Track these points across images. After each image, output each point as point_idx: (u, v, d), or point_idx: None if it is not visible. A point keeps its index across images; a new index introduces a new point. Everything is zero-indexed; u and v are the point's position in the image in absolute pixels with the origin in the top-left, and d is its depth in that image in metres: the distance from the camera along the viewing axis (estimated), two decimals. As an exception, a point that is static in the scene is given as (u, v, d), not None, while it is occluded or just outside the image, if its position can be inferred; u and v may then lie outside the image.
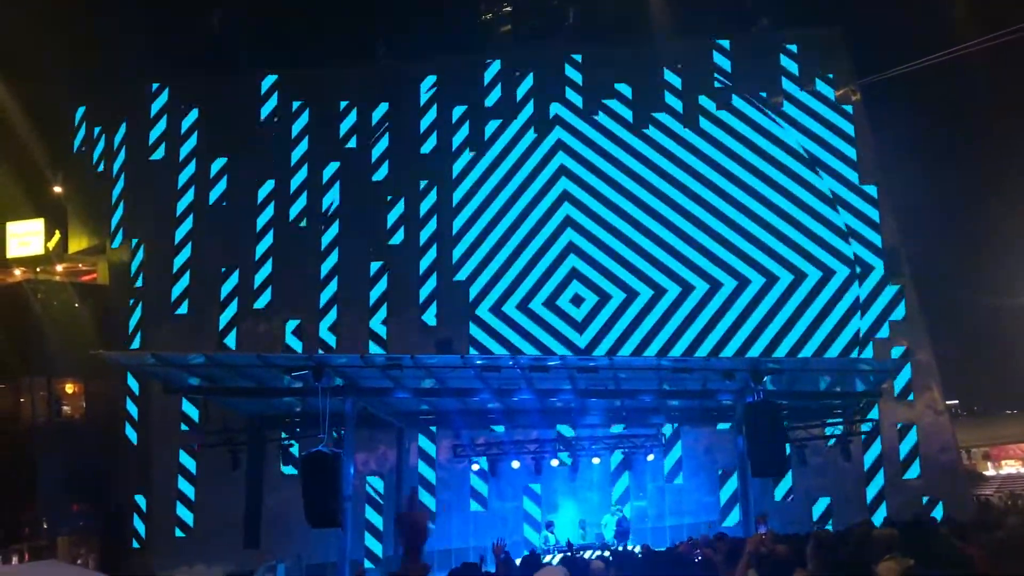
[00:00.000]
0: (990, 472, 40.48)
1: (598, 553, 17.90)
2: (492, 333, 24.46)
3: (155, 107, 26.43)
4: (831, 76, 25.61)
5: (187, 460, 23.22)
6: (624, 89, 25.93)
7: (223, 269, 25.06)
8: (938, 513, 21.28)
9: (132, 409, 24.19)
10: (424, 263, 25.14)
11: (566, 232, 25.10)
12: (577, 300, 24.61)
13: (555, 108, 25.97)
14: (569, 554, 17.79)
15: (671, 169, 25.33)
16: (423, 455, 23.59)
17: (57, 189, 28.43)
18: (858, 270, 24.19)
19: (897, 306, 23.90)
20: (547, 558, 18.88)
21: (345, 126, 26.20)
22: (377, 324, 24.64)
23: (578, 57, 26.31)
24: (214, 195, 25.72)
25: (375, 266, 25.04)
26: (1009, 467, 41.66)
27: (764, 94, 25.63)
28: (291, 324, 24.68)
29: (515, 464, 22.32)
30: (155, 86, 26.53)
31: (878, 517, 21.65)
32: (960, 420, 34.39)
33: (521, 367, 17.74)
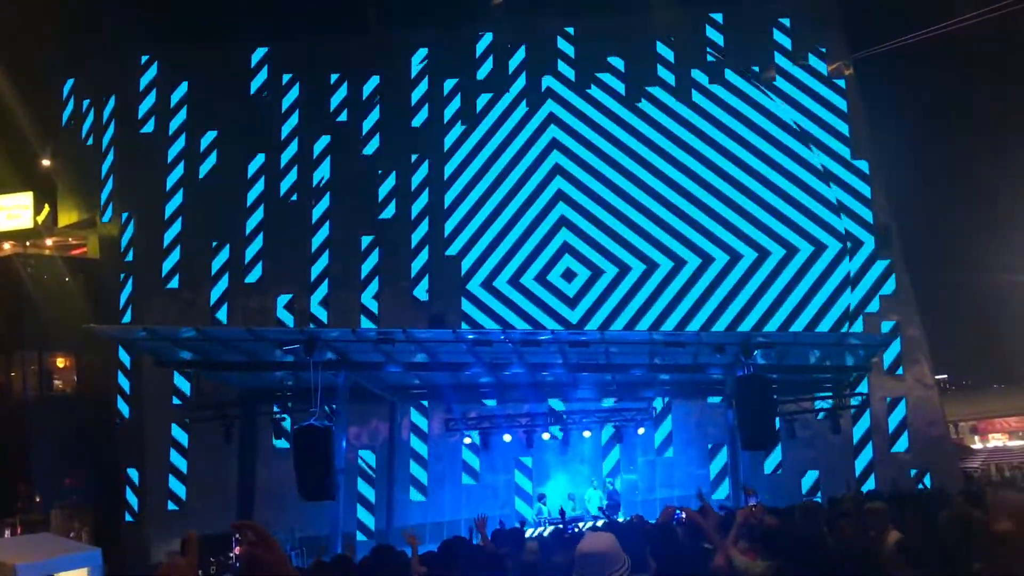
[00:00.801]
0: (977, 445, 40.87)
1: (589, 524, 18.03)
2: (484, 307, 24.49)
3: (144, 80, 26.21)
4: (824, 50, 25.55)
5: (179, 433, 23.26)
6: (616, 62, 25.83)
7: (214, 243, 24.98)
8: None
9: (124, 383, 24.19)
10: (416, 237, 25.10)
11: (558, 206, 25.08)
12: (569, 274, 24.63)
13: (547, 81, 25.87)
14: (561, 526, 17.92)
15: (663, 143, 25.29)
16: (415, 429, 23.68)
17: (46, 162, 28.21)
18: (849, 245, 24.26)
19: (888, 281, 23.99)
20: (536, 531, 19.05)
21: (336, 99, 26.05)
22: (369, 298, 24.63)
23: (571, 30, 26.16)
24: (204, 169, 25.58)
25: (366, 240, 24.99)
26: (996, 440, 42.06)
27: (756, 68, 25.56)
28: (283, 299, 24.63)
29: (507, 438, 22.45)
30: (144, 58, 26.29)
31: (866, 489, 21.90)
32: (948, 394, 34.69)
33: (513, 341, 17.81)
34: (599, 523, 17.80)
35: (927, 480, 22.20)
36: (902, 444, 23.13)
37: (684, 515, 6.05)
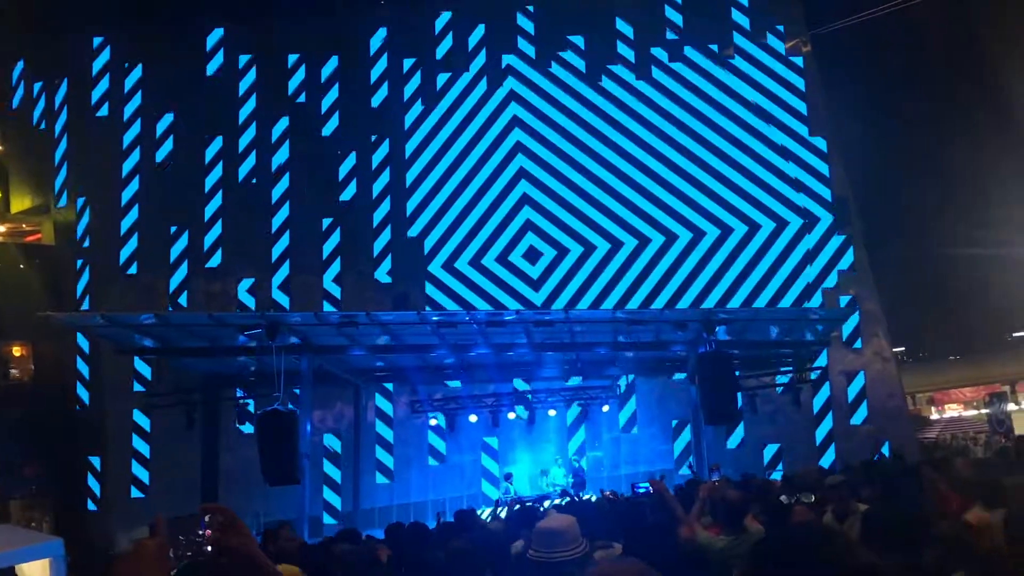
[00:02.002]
0: (934, 416, 41.74)
1: (556, 502, 18.15)
2: (447, 288, 24.44)
3: (98, 63, 25.69)
4: (781, 28, 25.69)
5: (142, 420, 22.99)
6: (577, 40, 25.79)
7: (173, 228, 24.63)
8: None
9: (83, 369, 23.85)
10: (377, 219, 24.95)
11: (520, 184, 25.03)
12: (532, 253, 24.64)
13: (507, 59, 25.77)
14: (529, 504, 18.01)
15: (624, 120, 25.33)
16: (380, 411, 23.63)
17: (-4, 147, 27.59)
18: (808, 220, 24.52)
19: (846, 256, 24.31)
20: (501, 510, 19.13)
21: (294, 80, 25.74)
22: (331, 281, 24.47)
23: (530, 7, 26.06)
24: (161, 153, 25.18)
25: (327, 223, 24.78)
26: (952, 411, 42.97)
27: (715, 47, 25.65)
28: (245, 283, 24.38)
29: (472, 418, 22.50)
30: (98, 40, 25.75)
31: (826, 461, 22.31)
32: (906, 366, 35.29)
33: (478, 322, 17.86)
34: (563, 501, 17.93)
35: (885, 449, 22.63)
36: (861, 416, 23.52)
37: (652, 487, 6.13)
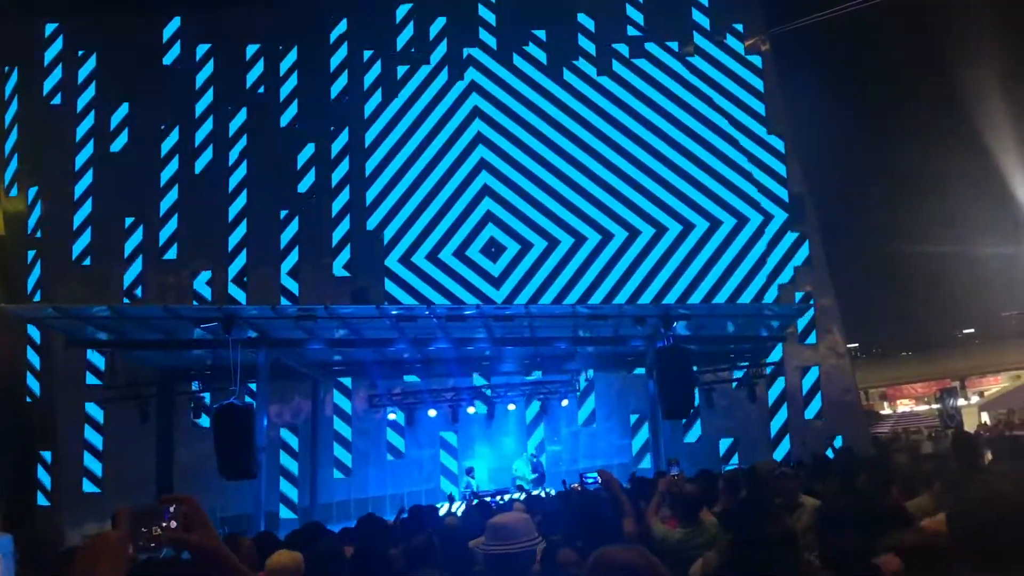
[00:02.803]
0: (887, 411, 42.53)
1: (516, 496, 18.19)
2: (407, 282, 24.35)
3: (51, 51, 25.17)
4: (741, 27, 25.94)
5: (95, 413, 22.61)
6: (539, 33, 25.81)
7: (128, 219, 24.24)
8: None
9: (35, 361, 23.39)
10: (336, 210, 24.75)
11: (481, 175, 25.00)
12: (493, 247, 24.63)
13: (468, 51, 25.72)
14: (489, 499, 18.02)
15: (586, 115, 25.43)
16: (338, 406, 23.49)
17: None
18: (765, 217, 24.80)
19: (801, 252, 24.63)
20: (459, 505, 19.13)
21: (251, 68, 25.44)
22: (289, 274, 24.26)
23: (488, 14, 26.05)
24: (116, 143, 24.74)
25: (285, 215, 24.55)
26: (904, 406, 43.82)
27: (676, 44, 25.83)
28: (202, 276, 24.07)
29: (432, 413, 22.46)
30: (51, 28, 25.23)
31: (779, 455, 22.62)
32: (859, 362, 35.90)
33: (438, 316, 17.80)
34: (521, 496, 17.98)
35: (837, 443, 22.99)
36: (815, 411, 23.87)
37: (600, 478, 6.17)
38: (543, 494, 17.79)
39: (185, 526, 2.07)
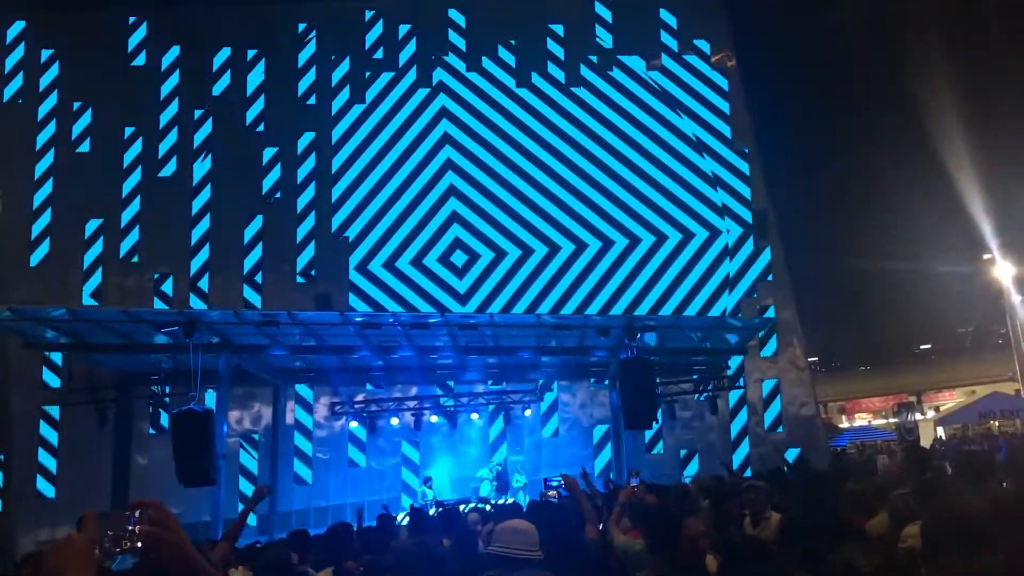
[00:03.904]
0: (844, 424, 43.06)
1: (472, 506, 18.14)
2: (370, 290, 24.21)
3: (12, 49, 24.76)
4: (708, 43, 26.21)
5: (50, 418, 22.17)
6: (505, 51, 25.86)
7: (88, 219, 23.86)
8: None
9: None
10: (301, 214, 24.56)
11: (448, 187, 24.92)
12: (457, 257, 24.56)
13: (438, 74, 25.68)
14: (452, 507, 17.95)
15: (555, 123, 25.49)
16: (300, 412, 23.28)
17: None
18: (729, 231, 25.03)
19: (763, 266, 24.87)
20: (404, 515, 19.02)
21: (217, 71, 25.21)
22: (252, 280, 24.01)
23: (459, 15, 26.07)
24: (78, 144, 24.37)
25: (249, 219, 24.30)
26: (861, 420, 44.41)
27: (643, 57, 26.02)
28: (167, 282, 23.73)
29: (394, 421, 22.35)
30: (14, 26, 24.83)
31: (737, 465, 22.78)
32: (818, 375, 36.33)
33: (402, 324, 17.77)
34: (487, 506, 17.93)
35: (789, 456, 23.25)
36: (776, 423, 24.09)
37: (564, 482, 6.20)
38: (503, 503, 17.78)
39: (153, 530, 2.05)
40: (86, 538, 1.92)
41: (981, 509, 2.53)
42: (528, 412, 22.98)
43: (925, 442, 27.51)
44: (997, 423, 31.58)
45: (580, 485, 6.48)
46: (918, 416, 34.01)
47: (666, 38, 26.24)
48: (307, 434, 23.20)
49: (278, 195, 24.61)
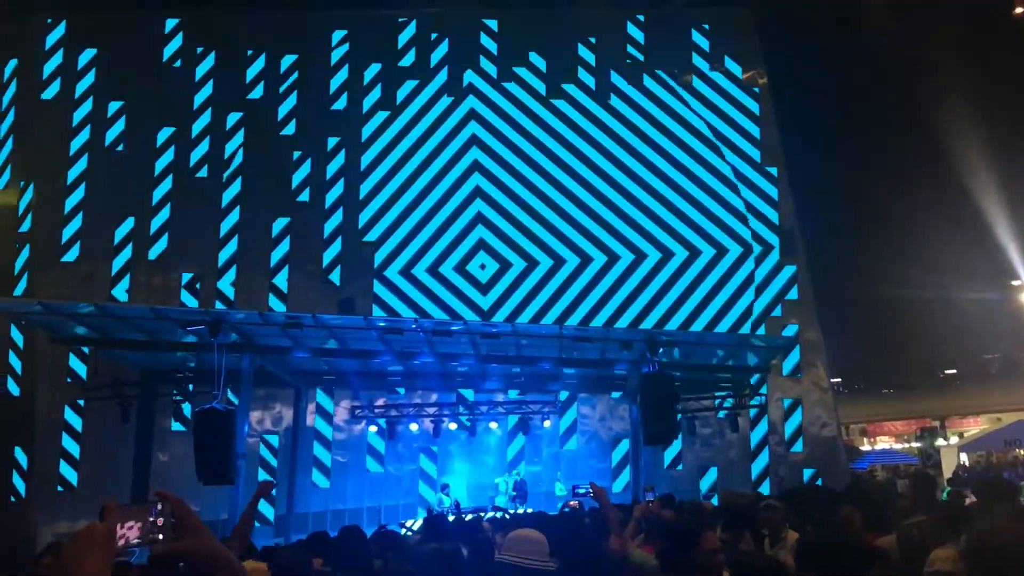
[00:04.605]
0: (866, 447, 42.60)
1: (491, 515, 18.11)
2: (394, 295, 24.31)
3: (49, 42, 25.17)
4: (740, 57, 26.18)
5: (72, 412, 22.43)
6: (537, 59, 25.97)
7: (117, 217, 24.16)
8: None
9: (14, 356, 23.18)
10: (328, 221, 24.74)
11: (474, 200, 25.05)
12: (486, 268, 24.64)
13: (468, 76, 25.82)
14: (473, 515, 17.95)
15: (584, 135, 25.55)
16: (320, 415, 23.39)
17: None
18: (756, 249, 24.93)
19: (790, 286, 24.74)
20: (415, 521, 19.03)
21: (251, 75, 25.47)
22: (277, 281, 24.19)
23: (493, 23, 26.20)
24: (110, 138, 24.71)
25: (277, 220, 24.50)
26: (883, 443, 43.92)
27: (674, 75, 26.02)
28: (188, 278, 23.97)
29: (413, 427, 22.42)
30: (50, 19, 25.24)
31: (764, 487, 22.63)
32: (841, 397, 36.01)
33: (424, 330, 17.79)
34: (506, 514, 17.92)
35: (804, 475, 23.09)
36: (797, 444, 23.91)
37: (592, 491, 6.15)
38: (520, 512, 17.74)
39: (175, 531, 2.06)
40: (107, 527, 1.93)
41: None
42: (547, 423, 22.96)
43: (947, 468, 27.17)
44: (1023, 451, 31.17)
45: (608, 494, 6.45)
46: (941, 442, 33.63)
47: (697, 60, 26.22)
48: (326, 437, 23.30)
49: (305, 198, 24.81)
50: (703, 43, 26.31)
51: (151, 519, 2.05)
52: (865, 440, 44.87)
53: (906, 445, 41.40)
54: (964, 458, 31.36)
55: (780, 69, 25.71)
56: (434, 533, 7.39)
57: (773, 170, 25.52)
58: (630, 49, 26.23)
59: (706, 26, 26.40)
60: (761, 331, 24.05)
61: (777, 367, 23.35)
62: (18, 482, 22.39)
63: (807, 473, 23.30)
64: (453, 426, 22.56)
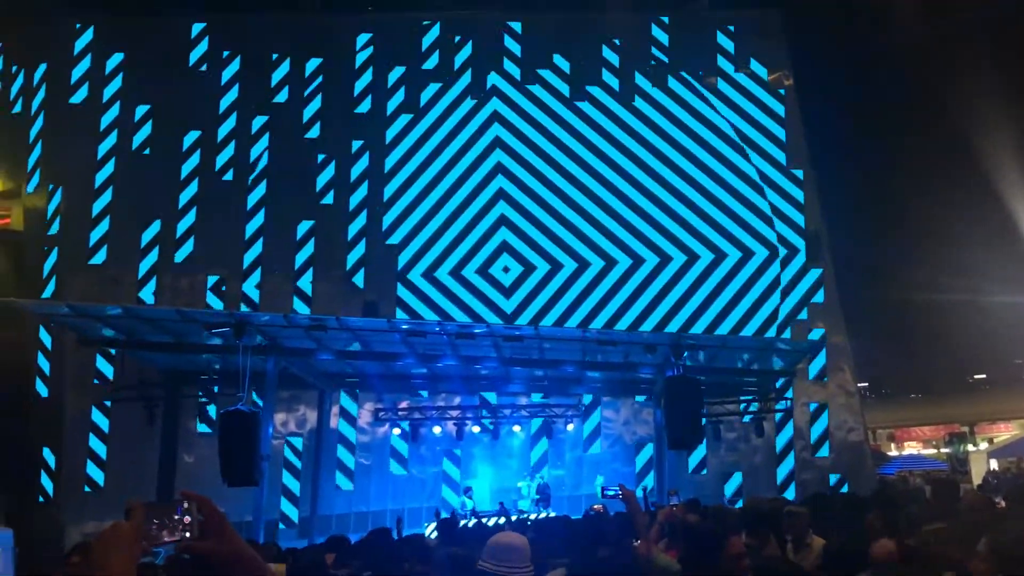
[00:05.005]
0: (893, 452, 42.13)
1: (515, 518, 18.07)
2: (419, 298, 24.34)
3: (78, 46, 25.45)
4: (765, 58, 26.01)
5: (99, 414, 22.64)
6: (561, 62, 25.94)
7: (144, 221, 24.37)
8: (843, 490, 22.04)
9: (43, 358, 23.43)
10: (353, 223, 24.83)
11: (498, 202, 25.05)
12: (510, 270, 24.63)
13: (492, 79, 25.83)
14: (500, 520, 17.92)
15: (602, 144, 25.48)
16: (344, 417, 23.45)
17: (-31, 129, 27.15)
18: (781, 252, 24.75)
19: (816, 289, 24.53)
20: (461, 524, 19.02)
21: (276, 79, 25.62)
22: (302, 284, 24.30)
23: (517, 25, 26.21)
24: (137, 142, 24.94)
25: (302, 224, 24.62)
26: (911, 448, 43.44)
27: (700, 73, 25.90)
28: (214, 280, 24.14)
29: (436, 430, 22.43)
30: (79, 24, 25.53)
31: (789, 492, 22.44)
32: (868, 402, 35.66)
33: (448, 333, 17.81)
34: (530, 517, 17.91)
35: (831, 480, 22.88)
36: (823, 449, 23.69)
37: (621, 493, 6.09)
38: (543, 516, 17.70)
39: (201, 531, 2.05)
40: (133, 526, 1.93)
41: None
42: (570, 427, 22.89)
43: (977, 474, 26.83)
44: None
45: (638, 498, 6.39)
46: (970, 448, 33.18)
47: (722, 62, 26.09)
48: (350, 439, 23.35)
49: (329, 200, 24.92)
50: (728, 45, 26.18)
51: (176, 518, 2.03)
52: (892, 445, 44.38)
53: (934, 451, 40.91)
54: (994, 464, 30.94)
55: (806, 70, 25.46)
56: (447, 537, 7.38)
57: (799, 172, 25.33)
58: (654, 51, 26.16)
59: (731, 28, 26.27)
60: (787, 335, 23.86)
61: (803, 371, 23.15)
62: (46, 482, 22.62)
63: (833, 478, 23.09)
64: (476, 429, 22.55)
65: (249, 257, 24.38)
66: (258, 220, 24.66)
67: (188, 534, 2.02)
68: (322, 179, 25.05)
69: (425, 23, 26.22)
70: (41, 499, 22.49)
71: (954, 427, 40.08)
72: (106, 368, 22.71)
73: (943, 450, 39.29)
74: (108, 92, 25.18)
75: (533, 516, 19.24)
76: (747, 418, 22.66)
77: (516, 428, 23.04)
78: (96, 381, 22.73)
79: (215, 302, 23.88)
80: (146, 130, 24.98)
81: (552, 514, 19.22)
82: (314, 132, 25.38)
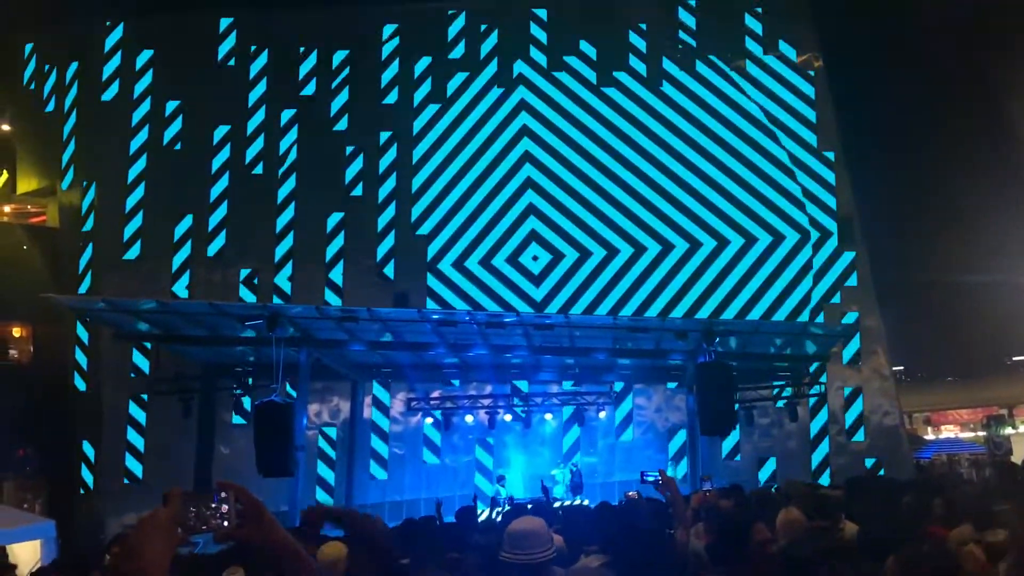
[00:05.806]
0: (929, 436, 41.66)
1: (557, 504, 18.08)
2: (448, 288, 24.42)
3: (108, 44, 25.72)
4: (794, 40, 25.70)
5: (137, 407, 22.97)
6: (588, 48, 25.81)
7: (176, 216, 24.63)
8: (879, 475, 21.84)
9: (81, 353, 23.82)
10: (382, 215, 24.94)
11: (526, 191, 25.03)
12: (539, 258, 24.62)
13: (518, 66, 25.76)
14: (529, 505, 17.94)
15: (630, 130, 25.34)
16: (377, 408, 23.61)
17: (5, 127, 27.59)
18: (813, 236, 24.51)
19: (849, 272, 24.28)
20: (493, 512, 19.10)
21: (303, 72, 25.74)
22: (333, 276, 24.46)
23: (543, 12, 26.10)
24: (168, 137, 25.18)
25: (332, 215, 24.76)
26: (948, 432, 42.92)
27: (729, 55, 25.65)
28: (247, 273, 24.36)
29: (468, 418, 22.51)
30: (109, 22, 25.80)
31: (824, 477, 22.28)
32: (903, 385, 35.27)
33: (478, 323, 17.85)
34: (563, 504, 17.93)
35: (866, 464, 22.67)
36: (858, 433, 23.49)
37: (661, 479, 6.05)
38: (577, 503, 17.71)
39: (239, 519, 2.07)
40: (170, 513, 1.94)
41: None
42: (603, 414, 22.87)
43: (1018, 456, 26.46)
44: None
45: (671, 478, 6.35)
46: (1009, 430, 32.74)
47: (751, 44, 25.80)
48: (383, 429, 23.52)
49: (358, 192, 25.03)
50: (756, 27, 25.89)
51: (213, 506, 2.05)
52: (929, 429, 43.89)
53: (972, 434, 40.39)
54: (1035, 446, 30.50)
55: (836, 51, 25.10)
56: (467, 524, 7.39)
57: (830, 155, 25.04)
58: (681, 35, 25.94)
59: (759, 9, 25.96)
60: (820, 319, 23.64)
61: (837, 355, 22.95)
62: (86, 475, 23.01)
63: (869, 462, 22.90)
64: (508, 417, 22.61)
65: (281, 250, 24.57)
66: (288, 213, 24.84)
67: (226, 523, 2.04)
68: (351, 171, 25.17)
69: (451, 12, 26.20)
70: (82, 491, 22.90)
71: (992, 409, 39.53)
72: (142, 362, 23.05)
73: (980, 433, 38.77)
74: (139, 89, 25.43)
75: (566, 503, 19.26)
76: (781, 403, 22.51)
77: (548, 416, 23.06)
78: (132, 375, 23.07)
79: (247, 295, 24.11)
80: (176, 125, 25.22)
81: (585, 502, 19.23)
82: (342, 124, 25.49)
